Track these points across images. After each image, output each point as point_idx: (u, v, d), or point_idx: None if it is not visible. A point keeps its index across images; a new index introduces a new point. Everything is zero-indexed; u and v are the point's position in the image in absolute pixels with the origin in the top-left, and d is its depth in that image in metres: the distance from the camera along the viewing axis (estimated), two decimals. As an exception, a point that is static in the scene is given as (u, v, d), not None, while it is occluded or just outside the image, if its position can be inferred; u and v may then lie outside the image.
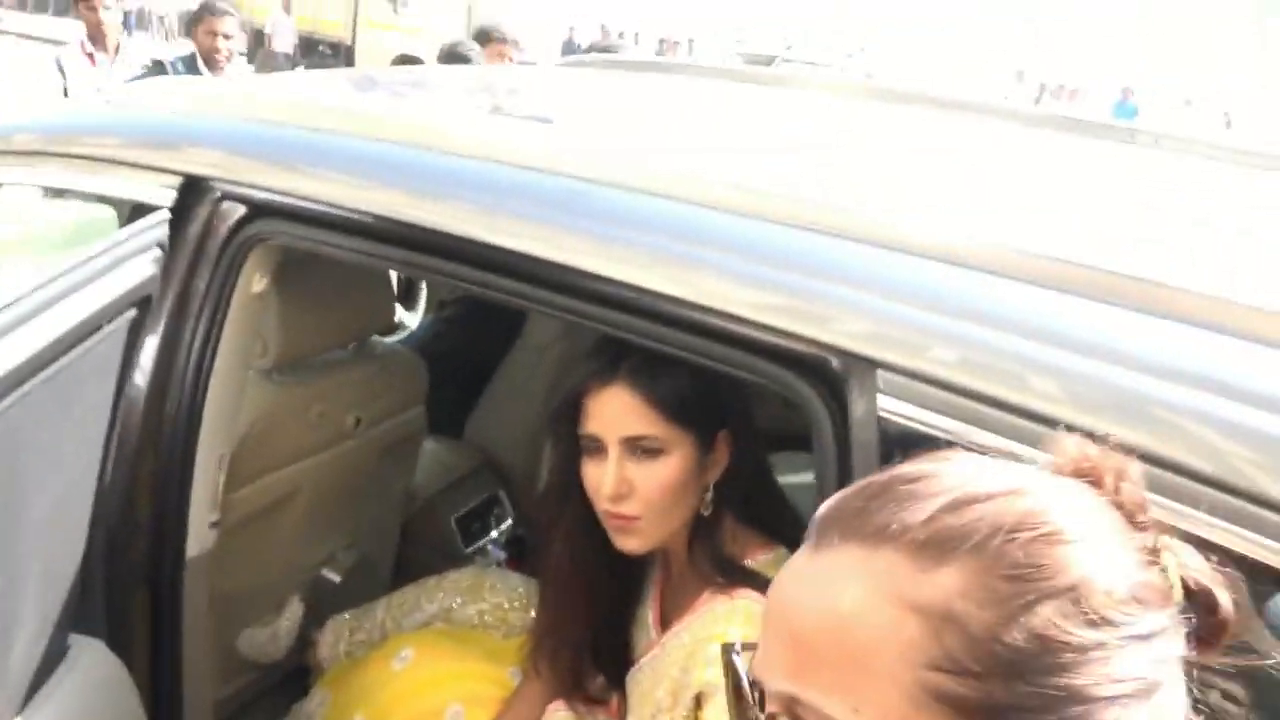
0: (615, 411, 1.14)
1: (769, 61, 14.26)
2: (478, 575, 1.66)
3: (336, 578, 1.76)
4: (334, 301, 1.60)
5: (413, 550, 2.01)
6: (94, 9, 4.09)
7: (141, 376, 1.21)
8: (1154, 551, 0.50)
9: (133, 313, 0.98)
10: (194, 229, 1.24)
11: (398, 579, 1.88)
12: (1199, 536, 0.71)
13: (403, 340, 2.36)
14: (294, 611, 1.67)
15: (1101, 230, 1.11)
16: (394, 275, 2.42)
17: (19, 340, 0.73)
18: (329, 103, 1.45)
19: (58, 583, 0.98)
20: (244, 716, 1.68)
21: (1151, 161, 1.61)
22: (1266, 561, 0.71)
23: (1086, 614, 0.45)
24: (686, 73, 2.22)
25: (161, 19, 17.90)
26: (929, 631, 0.45)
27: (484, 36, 4.55)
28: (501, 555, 2.05)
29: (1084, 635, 0.45)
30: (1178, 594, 0.49)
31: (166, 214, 1.14)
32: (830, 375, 0.92)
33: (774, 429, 1.44)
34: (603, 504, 1.15)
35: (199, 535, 1.30)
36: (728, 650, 0.55)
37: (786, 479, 1.33)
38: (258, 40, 15.84)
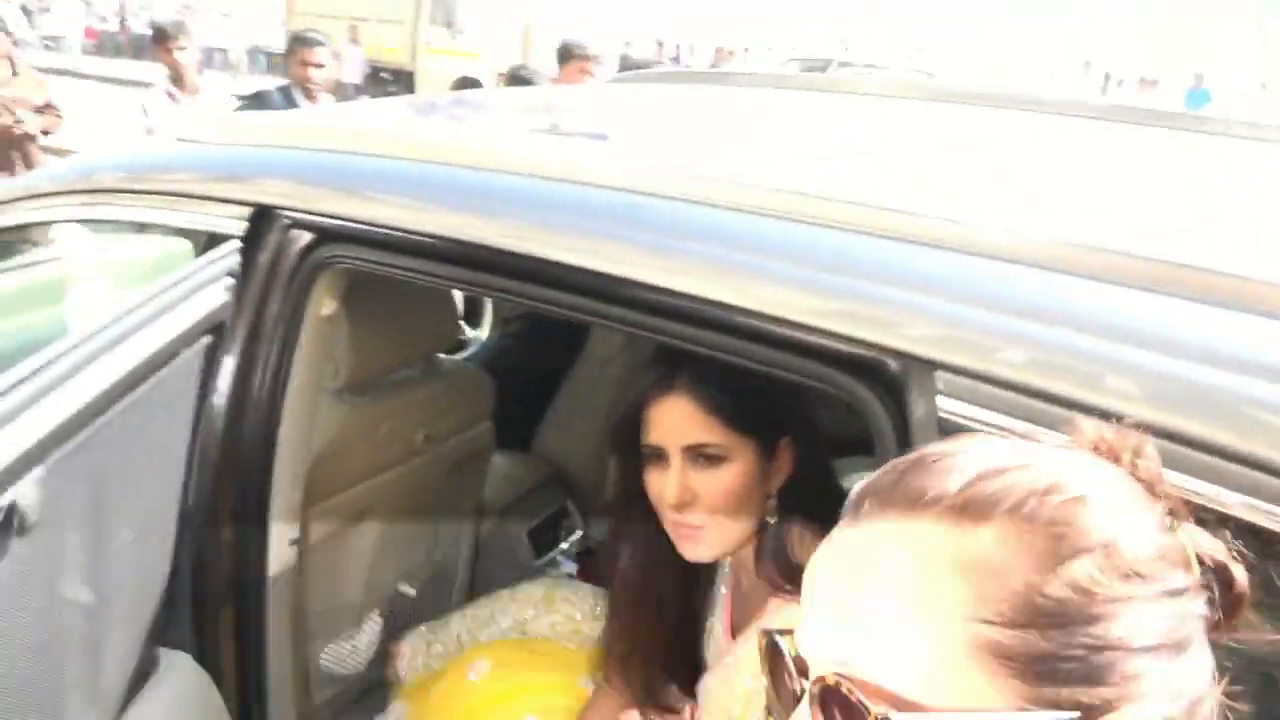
0: (676, 420, 1.15)
1: (824, 66, 14.17)
2: (550, 587, 1.68)
3: (412, 592, 1.80)
4: (400, 322, 1.64)
5: (486, 563, 2.04)
6: (172, 52, 4.27)
7: (220, 400, 1.26)
8: (1175, 522, 0.53)
9: (208, 339, 1.02)
10: (265, 256, 1.29)
11: (472, 592, 1.92)
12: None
13: (469, 357, 2.41)
14: (373, 626, 1.71)
15: (1170, 222, 1.09)
16: (459, 294, 2.47)
17: (101, 370, 0.77)
18: (390, 129, 1.50)
19: (146, 600, 1.02)
20: (327, 729, 1.73)
21: (1220, 150, 1.57)
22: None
23: (1119, 568, 0.48)
24: (741, 82, 2.23)
25: (226, 53, 18.49)
26: (972, 586, 0.48)
27: (566, 54, 4.60)
28: (572, 566, 2.08)
29: (1118, 587, 0.47)
30: (1196, 570, 0.51)
31: (238, 243, 1.18)
32: (889, 378, 0.92)
33: (839, 434, 1.44)
34: (667, 513, 1.16)
35: (280, 553, 1.34)
36: (767, 633, 0.56)
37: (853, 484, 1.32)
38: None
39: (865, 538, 0.51)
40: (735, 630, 1.27)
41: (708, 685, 1.26)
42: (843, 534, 0.53)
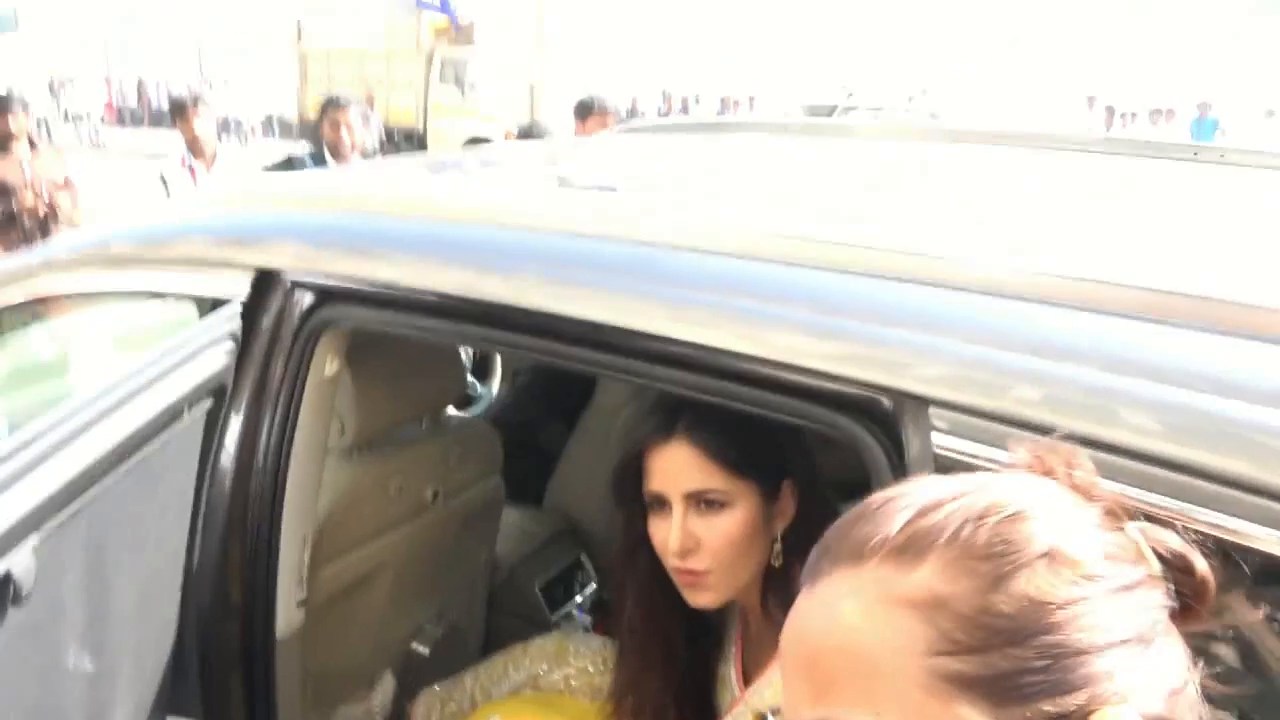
0: (677, 467, 1.15)
1: (830, 111, 14.32)
2: (562, 640, 1.67)
3: (426, 650, 1.79)
4: (406, 379, 1.65)
5: (500, 619, 2.03)
6: (190, 122, 4.37)
7: (226, 463, 1.27)
8: (1118, 521, 0.54)
9: (209, 402, 1.03)
10: (268, 319, 1.31)
11: (487, 648, 1.90)
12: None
13: (479, 412, 2.42)
14: (386, 686, 1.70)
15: (1165, 250, 1.09)
16: (465, 350, 2.49)
17: (98, 436, 0.78)
18: (392, 189, 1.52)
19: (152, 666, 1.02)
20: (342, 793, 1.71)
21: (1224, 178, 1.57)
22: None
23: (1065, 573, 0.49)
24: (746, 130, 2.26)
25: (240, 122, 18.88)
26: (923, 621, 0.48)
27: (584, 110, 4.66)
28: (587, 619, 2.06)
29: (1067, 591, 0.48)
30: (1153, 564, 0.52)
31: (239, 306, 1.20)
32: (883, 416, 0.92)
33: (846, 476, 1.43)
34: (671, 560, 1.16)
35: (288, 614, 1.34)
36: (763, 717, 0.58)
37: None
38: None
39: (821, 598, 0.52)
40: (748, 677, 1.26)
41: (722, 734, 1.25)
42: (802, 599, 0.54)
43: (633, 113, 17.86)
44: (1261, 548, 0.71)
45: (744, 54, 25.87)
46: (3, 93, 4.78)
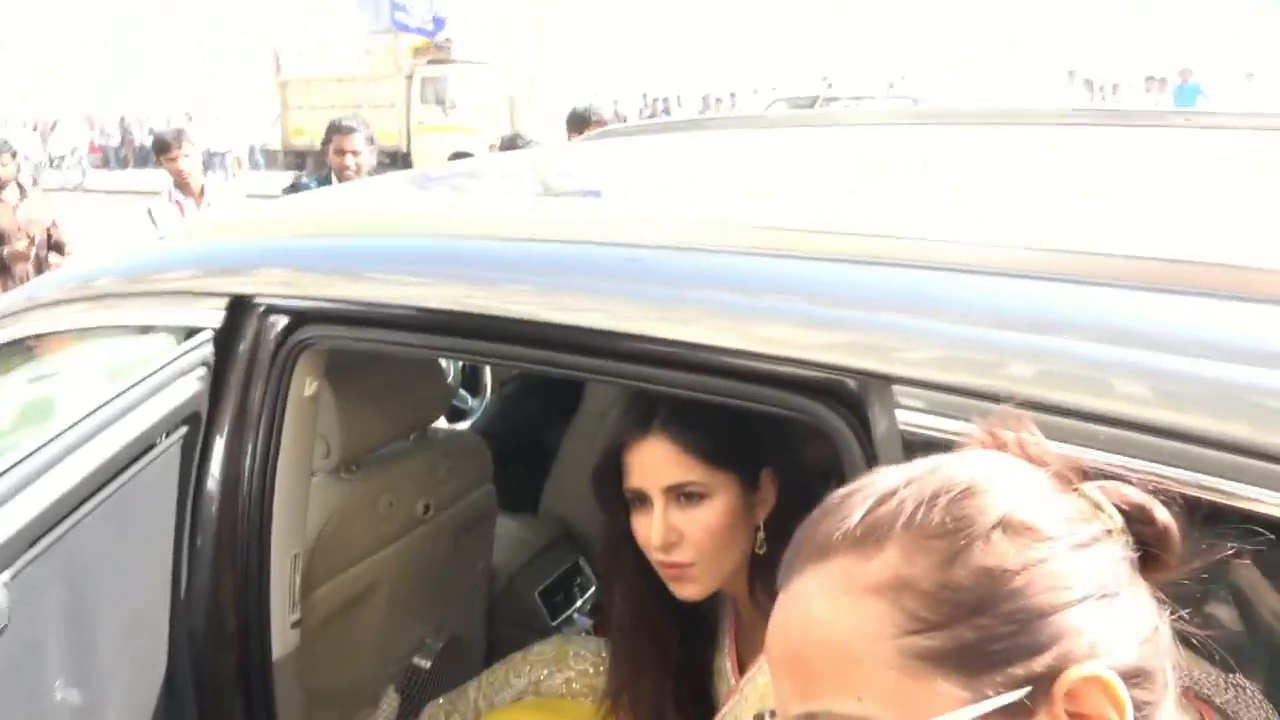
0: (655, 462, 1.16)
1: (812, 103, 14.33)
2: (561, 645, 1.67)
3: (428, 664, 1.79)
4: (389, 395, 1.66)
5: (502, 629, 2.04)
6: (175, 159, 4.39)
7: (211, 489, 1.28)
8: (1069, 482, 0.55)
9: (184, 430, 1.04)
10: (244, 345, 1.31)
11: (489, 659, 1.90)
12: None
13: (470, 425, 2.43)
14: (390, 703, 1.70)
15: (1149, 216, 1.10)
16: (454, 364, 2.50)
17: (72, 466, 0.79)
18: (363, 208, 1.53)
19: (144, 696, 1.03)
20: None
21: (1198, 141, 1.58)
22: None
23: (1018, 539, 0.50)
24: (724, 127, 2.26)
25: (224, 155, 18.91)
26: (888, 604, 0.50)
27: (578, 120, 4.65)
28: (588, 623, 2.07)
29: (1022, 556, 0.50)
30: (1114, 517, 0.54)
31: (210, 333, 1.21)
32: (849, 397, 0.93)
33: (833, 464, 1.44)
34: (655, 554, 1.16)
35: (282, 636, 1.35)
36: (761, 716, 0.59)
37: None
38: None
39: (795, 595, 0.54)
40: (743, 666, 1.27)
41: (720, 725, 1.25)
42: (780, 600, 0.56)
43: (617, 117, 17.88)
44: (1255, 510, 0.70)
45: (722, 51, 25.90)
46: None
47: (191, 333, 1.33)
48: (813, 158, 1.70)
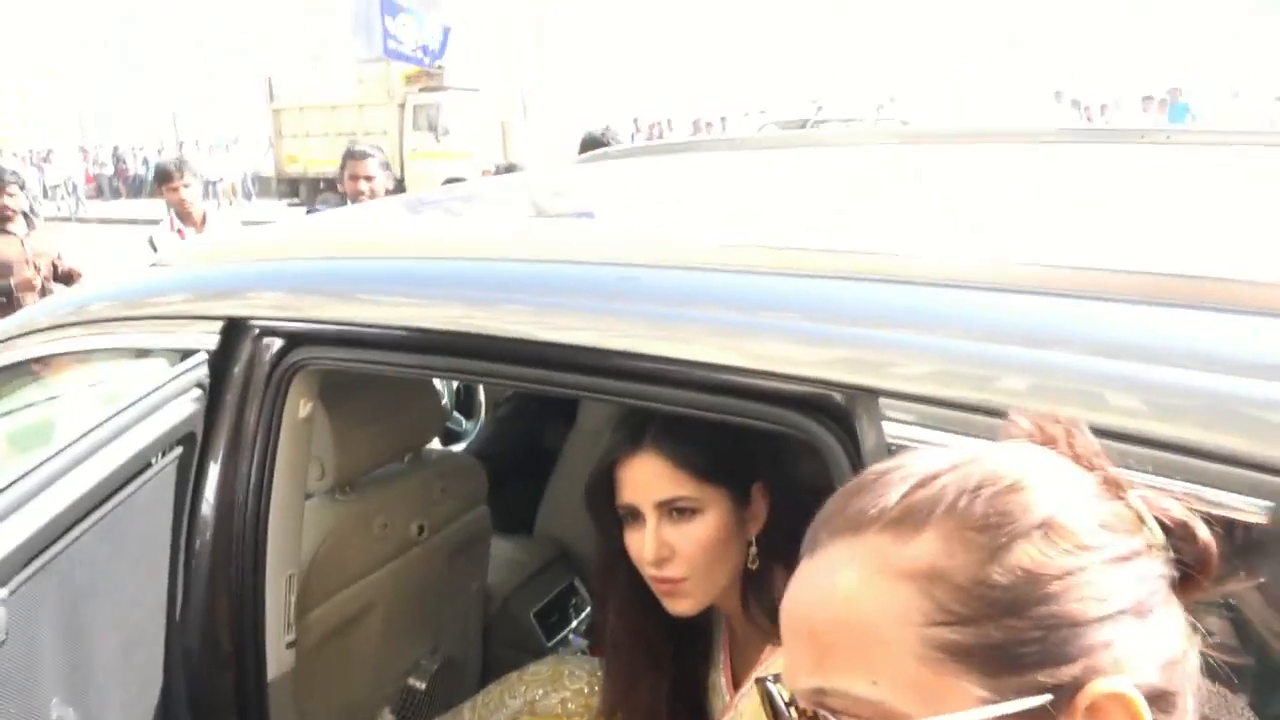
0: (647, 478, 1.17)
1: (803, 125, 14.44)
2: (556, 664, 1.68)
3: (423, 685, 1.79)
4: (383, 416, 1.67)
5: (497, 650, 2.04)
6: (176, 189, 4.42)
7: (206, 510, 1.29)
8: (1118, 489, 0.53)
9: (179, 450, 1.05)
10: (239, 367, 1.32)
11: (484, 680, 1.90)
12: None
13: (464, 446, 2.43)
14: (386, 724, 1.70)
15: (1144, 232, 1.11)
16: (449, 386, 2.51)
17: (68, 486, 0.80)
18: (355, 232, 1.55)
19: (138, 716, 1.03)
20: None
21: (1183, 157, 1.60)
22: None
23: (1059, 544, 0.48)
24: (716, 148, 2.29)
25: (218, 183, 18.97)
26: (919, 592, 0.49)
27: (595, 144, 4.69)
28: (583, 643, 2.07)
29: (1062, 562, 0.48)
30: (1155, 532, 0.52)
31: (204, 355, 1.22)
32: (837, 411, 0.94)
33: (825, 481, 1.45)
34: (647, 570, 1.17)
35: (277, 657, 1.35)
36: (762, 681, 0.58)
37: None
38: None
39: (820, 567, 0.53)
40: (737, 681, 1.27)
41: (715, 742, 1.26)
42: (802, 568, 0.54)
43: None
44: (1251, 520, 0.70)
45: (712, 75, 26.07)
46: None
47: (187, 355, 1.34)
48: (804, 177, 1.72)
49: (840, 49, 25.98)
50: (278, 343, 1.32)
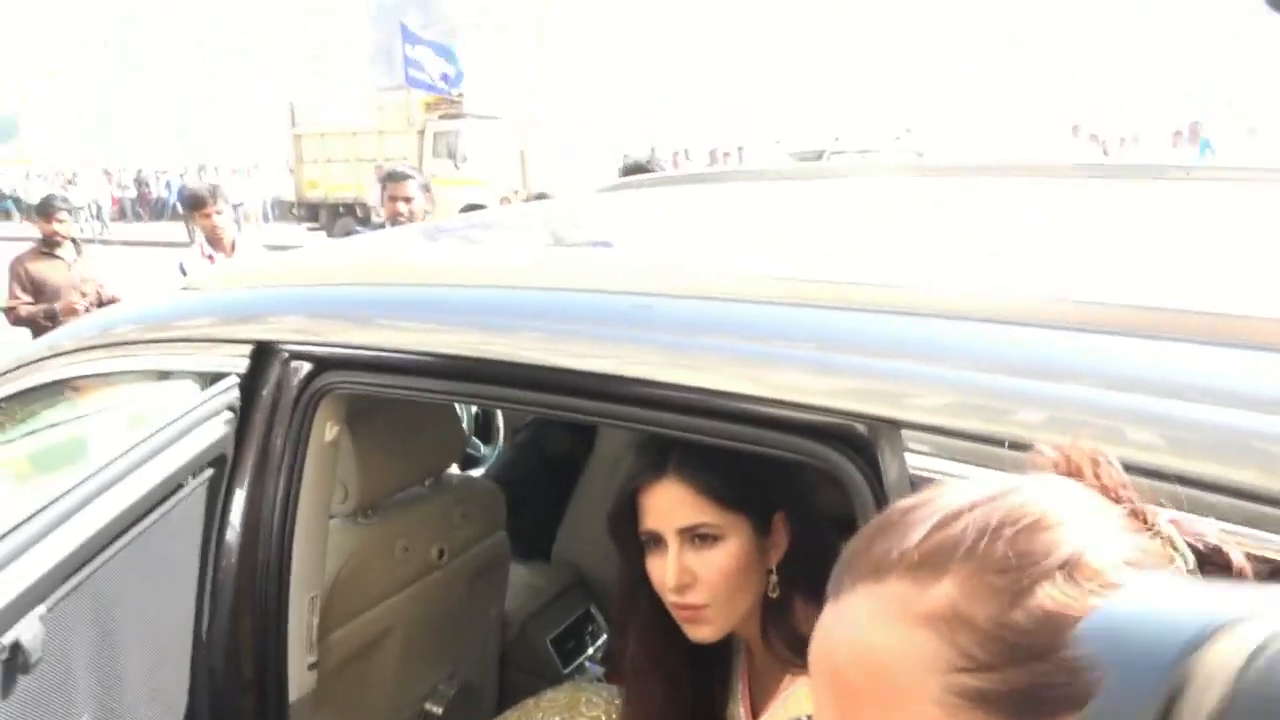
0: (669, 504, 1.18)
1: (819, 156, 14.51)
2: (573, 691, 1.68)
3: (440, 710, 1.80)
4: (406, 442, 1.69)
5: (513, 676, 2.04)
6: (209, 215, 4.49)
7: (232, 532, 1.30)
8: (1146, 521, 0.52)
9: (210, 472, 1.07)
10: (267, 390, 1.35)
11: (501, 706, 1.90)
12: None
13: (483, 472, 2.45)
14: (402, 749, 1.71)
15: (1140, 269, 1.12)
16: (463, 411, 2.52)
17: (105, 505, 0.82)
18: (382, 258, 1.58)
19: (166, 733, 1.04)
20: None
21: (1199, 193, 1.61)
22: None
23: (1083, 584, 0.47)
24: (734, 179, 2.31)
25: (240, 205, 19.16)
26: (942, 639, 0.48)
27: (638, 170, 4.76)
28: (599, 671, 2.07)
29: (1086, 602, 0.46)
30: (1186, 558, 0.50)
31: (235, 379, 1.24)
32: (860, 442, 0.95)
33: (847, 511, 1.45)
34: (669, 596, 1.18)
35: (299, 678, 1.36)
36: None
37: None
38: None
39: (844, 613, 0.52)
40: (756, 711, 1.27)
41: (734, 772, 1.26)
42: (827, 613, 0.54)
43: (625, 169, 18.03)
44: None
45: (730, 105, 26.21)
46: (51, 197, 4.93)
47: (215, 378, 1.37)
48: (822, 209, 1.74)
49: (855, 77, 26.04)
50: (306, 367, 1.34)
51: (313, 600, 1.39)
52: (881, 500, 0.93)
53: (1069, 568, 0.47)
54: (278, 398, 1.34)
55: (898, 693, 0.48)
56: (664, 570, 1.17)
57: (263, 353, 1.36)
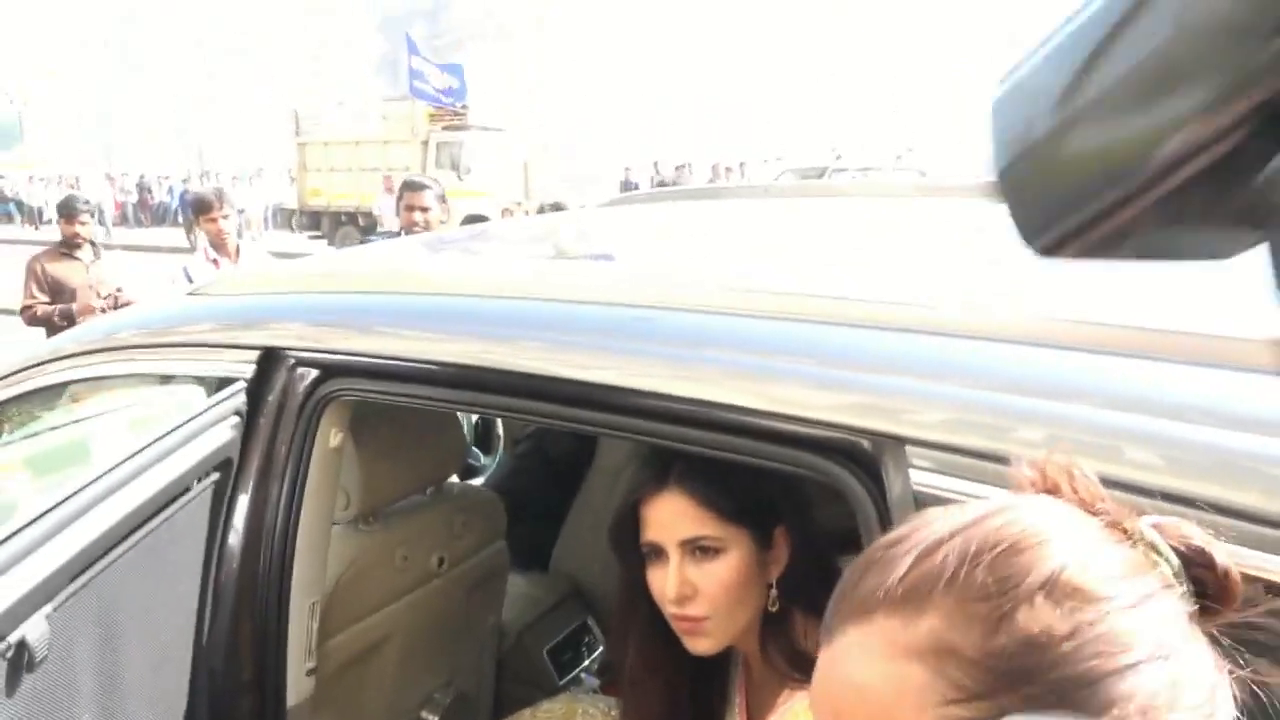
0: (671, 516, 1.18)
1: (821, 174, 14.56)
2: (570, 703, 1.68)
3: (435, 718, 1.80)
4: (408, 451, 1.69)
5: (509, 686, 2.04)
6: (215, 220, 4.50)
7: (235, 536, 1.31)
8: (1125, 531, 0.52)
9: (216, 475, 1.08)
10: (273, 395, 1.35)
11: (497, 716, 1.91)
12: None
13: (482, 482, 2.45)
14: (398, 756, 1.70)
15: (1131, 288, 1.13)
16: (465, 420, 2.53)
17: (107, 510, 0.82)
18: (388, 267, 1.59)
19: (166, 735, 1.04)
20: None
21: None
22: None
23: (1065, 603, 0.47)
24: (735, 196, 2.33)
25: (243, 212, 19.22)
26: (931, 671, 0.48)
27: (662, 183, 4.78)
28: (595, 682, 2.07)
29: (1070, 622, 0.46)
30: (1171, 561, 0.50)
31: (243, 384, 1.25)
32: (864, 458, 0.95)
33: (848, 525, 1.46)
34: (669, 608, 1.18)
35: (298, 683, 1.36)
36: None
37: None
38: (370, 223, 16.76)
39: (837, 656, 0.52)
40: (753, 725, 1.27)
41: (730, 784, 1.26)
42: (822, 657, 0.54)
43: (626, 183, 18.12)
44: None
45: (731, 108, 26.27)
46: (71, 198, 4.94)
47: (221, 383, 1.37)
48: (823, 226, 1.76)
49: (855, 76, 26.05)
50: (312, 373, 1.35)
51: (313, 606, 1.39)
52: (885, 515, 0.94)
53: (1049, 588, 0.47)
54: (283, 403, 1.35)
55: None
56: (665, 582, 1.18)
57: (269, 358, 1.37)
